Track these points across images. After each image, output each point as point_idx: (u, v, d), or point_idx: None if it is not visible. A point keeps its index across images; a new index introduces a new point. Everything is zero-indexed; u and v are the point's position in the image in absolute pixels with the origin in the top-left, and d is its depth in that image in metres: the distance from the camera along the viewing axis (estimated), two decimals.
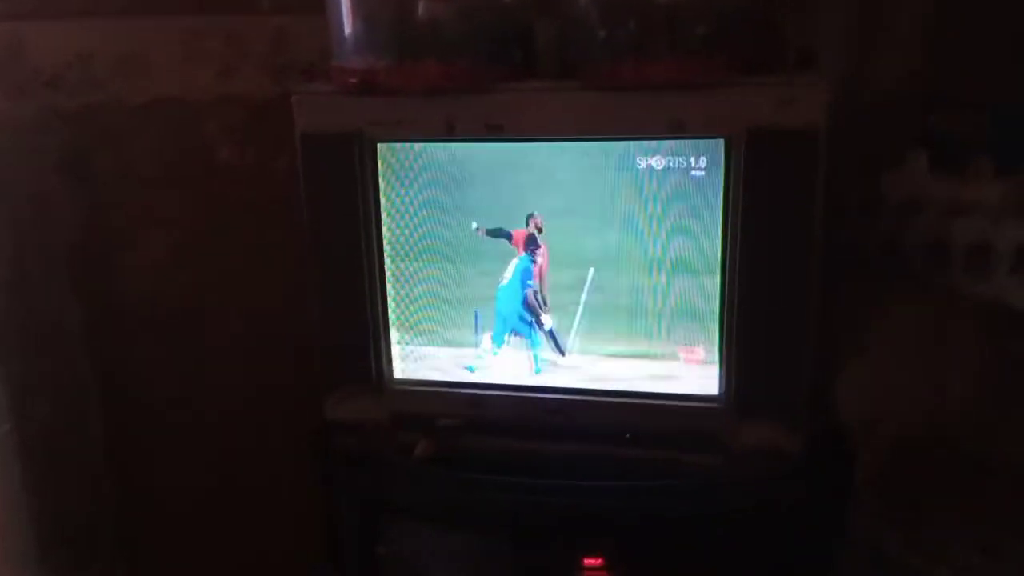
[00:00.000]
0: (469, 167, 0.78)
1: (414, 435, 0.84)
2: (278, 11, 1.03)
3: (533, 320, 0.82)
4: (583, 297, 0.80)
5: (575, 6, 0.75)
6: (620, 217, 0.77)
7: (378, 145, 0.78)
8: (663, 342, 0.79)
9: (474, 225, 0.79)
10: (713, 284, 0.76)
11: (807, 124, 0.69)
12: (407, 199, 0.80)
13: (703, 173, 0.74)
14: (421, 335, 0.84)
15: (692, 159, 0.74)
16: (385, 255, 0.82)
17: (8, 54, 1.04)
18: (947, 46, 0.91)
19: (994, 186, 0.79)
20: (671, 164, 0.74)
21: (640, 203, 0.76)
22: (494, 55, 0.76)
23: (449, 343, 0.84)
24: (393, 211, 0.81)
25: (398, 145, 0.79)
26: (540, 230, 0.78)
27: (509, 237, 0.79)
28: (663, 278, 0.77)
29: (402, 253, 0.82)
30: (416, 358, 0.85)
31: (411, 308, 0.84)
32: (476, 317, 0.83)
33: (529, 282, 0.80)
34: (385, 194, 0.80)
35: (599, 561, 0.83)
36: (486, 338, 0.83)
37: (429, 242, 0.81)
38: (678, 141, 0.74)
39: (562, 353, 0.82)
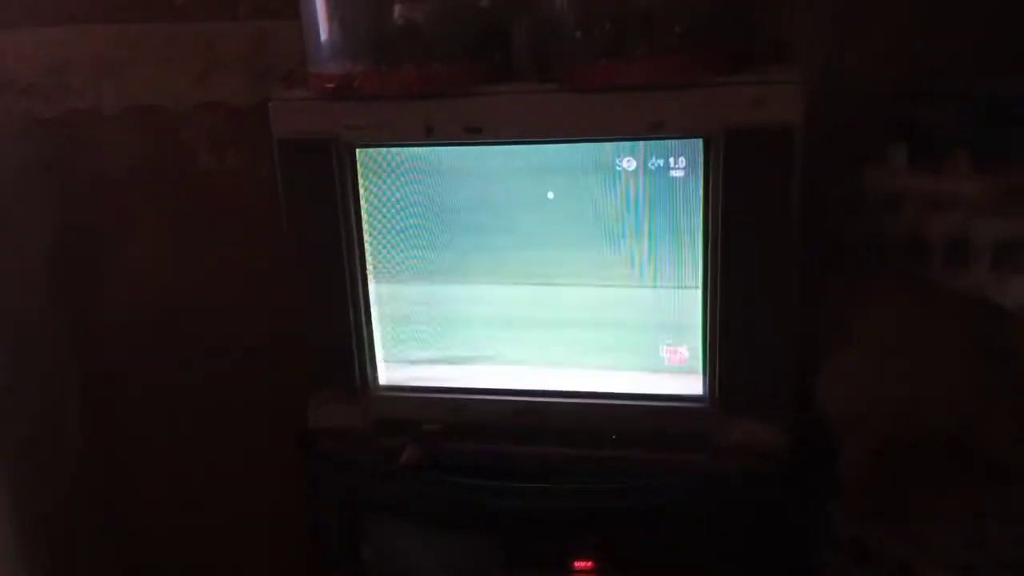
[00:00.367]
0: (449, 170, 0.78)
1: (399, 441, 0.84)
2: (256, 17, 1.03)
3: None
4: (565, 299, 0.80)
5: (551, 7, 0.74)
6: (600, 218, 0.77)
7: (357, 149, 0.78)
8: (646, 343, 0.79)
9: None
10: (695, 284, 0.76)
11: (783, 122, 0.69)
12: (387, 203, 0.80)
13: (682, 173, 0.74)
14: (405, 340, 0.84)
15: (671, 159, 0.74)
16: (367, 260, 0.81)
17: None
18: (926, 38, 0.91)
19: (973, 180, 0.79)
20: (650, 165, 0.74)
21: (620, 204, 0.76)
22: (471, 58, 0.76)
23: (434, 347, 0.84)
24: (373, 215, 0.80)
25: (377, 150, 0.78)
26: None
27: None
28: (645, 279, 0.77)
29: (384, 257, 0.82)
30: (400, 363, 0.85)
31: (395, 312, 0.83)
32: (461, 319, 0.83)
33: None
34: (365, 198, 0.80)
35: (589, 564, 0.83)
36: (471, 341, 0.83)
37: (411, 245, 0.81)
38: (657, 141, 0.73)
39: (547, 354, 0.82)
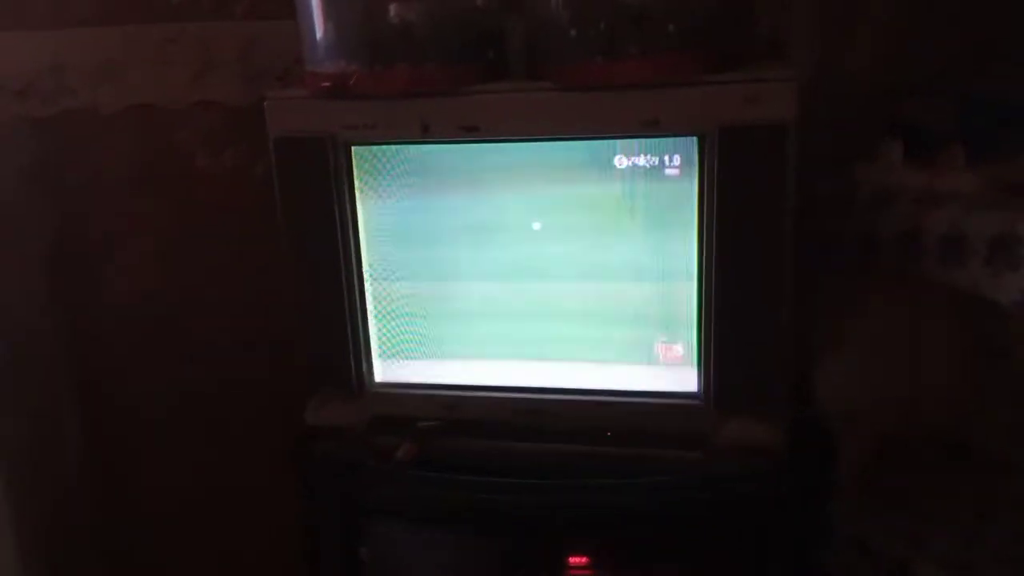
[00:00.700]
0: (445, 168, 0.78)
1: (395, 438, 0.84)
2: (252, 17, 1.03)
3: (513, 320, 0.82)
4: (560, 296, 0.80)
5: (546, 6, 0.74)
6: (595, 215, 0.77)
7: (353, 148, 0.78)
8: (641, 340, 0.80)
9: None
10: (690, 281, 0.76)
11: (777, 120, 0.69)
12: (383, 201, 0.80)
13: (677, 171, 0.74)
14: (401, 337, 0.84)
15: (666, 157, 0.74)
16: (363, 258, 0.82)
17: None
18: (919, 35, 0.91)
19: (967, 176, 0.79)
20: (645, 163, 0.74)
21: (615, 201, 0.76)
22: (466, 57, 0.76)
23: (430, 344, 0.84)
24: (370, 213, 0.80)
25: (373, 148, 0.78)
26: None
27: None
28: (639, 276, 0.78)
29: (380, 255, 0.82)
30: (396, 360, 0.85)
31: (391, 310, 0.83)
32: (457, 316, 0.83)
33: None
34: (361, 197, 0.80)
35: (584, 560, 0.83)
36: (466, 338, 0.83)
37: (407, 243, 0.81)
38: (651, 140, 0.73)
39: (543, 351, 0.82)
